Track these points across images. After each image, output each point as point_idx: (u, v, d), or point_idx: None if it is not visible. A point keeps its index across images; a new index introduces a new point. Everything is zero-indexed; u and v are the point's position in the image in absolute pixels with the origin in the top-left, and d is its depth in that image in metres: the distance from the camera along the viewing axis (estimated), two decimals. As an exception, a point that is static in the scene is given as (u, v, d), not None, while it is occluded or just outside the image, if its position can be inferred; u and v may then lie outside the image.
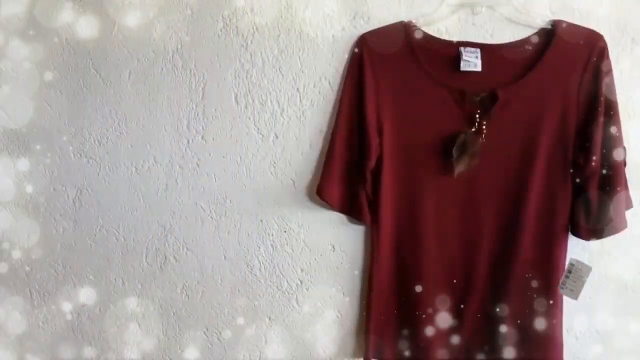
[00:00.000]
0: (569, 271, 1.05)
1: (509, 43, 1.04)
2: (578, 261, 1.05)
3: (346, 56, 1.08)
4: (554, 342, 1.06)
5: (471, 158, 1.01)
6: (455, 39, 1.06)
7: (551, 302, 1.05)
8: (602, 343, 1.13)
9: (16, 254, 1.21)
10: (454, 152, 1.00)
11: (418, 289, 1.07)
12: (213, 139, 1.14)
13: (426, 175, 1.05)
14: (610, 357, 1.14)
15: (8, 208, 1.20)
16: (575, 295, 1.05)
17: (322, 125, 1.11)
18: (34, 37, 1.14)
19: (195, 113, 1.14)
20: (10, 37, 1.14)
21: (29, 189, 1.19)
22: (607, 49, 1.00)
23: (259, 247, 1.17)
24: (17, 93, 1.16)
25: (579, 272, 1.04)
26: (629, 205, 1.02)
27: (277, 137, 1.13)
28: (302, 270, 1.17)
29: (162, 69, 1.13)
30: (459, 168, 1.01)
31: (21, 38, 1.14)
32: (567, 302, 1.10)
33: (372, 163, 1.05)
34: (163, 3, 1.11)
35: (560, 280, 1.05)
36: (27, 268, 1.22)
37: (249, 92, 1.12)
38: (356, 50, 1.06)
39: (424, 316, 1.08)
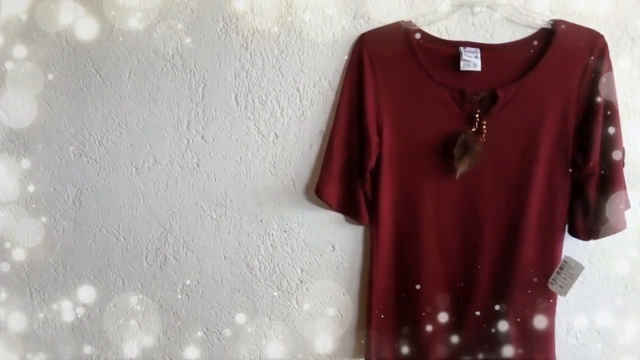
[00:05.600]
0: (561, 268, 1.05)
1: (508, 43, 1.04)
2: (571, 259, 1.05)
3: (346, 56, 1.08)
4: (551, 338, 1.07)
5: (472, 158, 1.01)
6: (455, 38, 1.06)
7: (549, 300, 1.06)
8: (602, 343, 1.14)
9: (16, 254, 1.21)
10: (455, 152, 1.00)
11: (418, 288, 1.08)
12: (213, 139, 1.14)
13: (426, 175, 1.05)
14: (610, 357, 1.14)
15: (8, 208, 1.20)
16: (564, 292, 1.05)
17: (322, 125, 1.11)
18: (34, 38, 1.14)
19: (195, 113, 1.14)
20: (10, 37, 1.14)
21: (29, 188, 1.19)
22: (607, 48, 1.00)
23: (259, 247, 1.17)
24: (17, 93, 1.16)
25: (571, 270, 1.04)
26: (627, 205, 1.02)
27: (277, 137, 1.13)
28: (302, 270, 1.17)
29: (162, 69, 1.13)
30: (461, 169, 1.01)
31: (21, 38, 1.14)
32: (567, 302, 1.11)
33: (371, 163, 1.05)
34: (163, 3, 1.11)
35: (551, 276, 1.05)
36: (27, 268, 1.22)
37: (249, 92, 1.12)
38: (356, 50, 1.06)
39: (423, 315, 1.08)
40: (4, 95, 1.16)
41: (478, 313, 1.07)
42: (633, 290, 1.12)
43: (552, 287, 1.05)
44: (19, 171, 1.19)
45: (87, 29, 1.13)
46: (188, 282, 1.19)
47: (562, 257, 1.06)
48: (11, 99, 1.16)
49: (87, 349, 1.24)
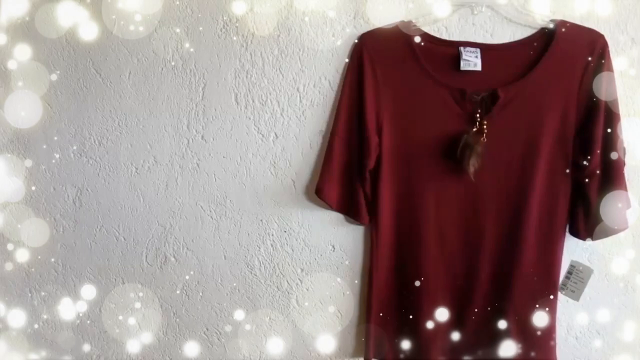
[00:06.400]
0: (570, 272, 1.06)
1: (509, 43, 1.04)
2: (579, 263, 1.05)
3: (346, 56, 1.08)
4: (552, 338, 1.07)
5: (473, 158, 1.00)
6: (455, 38, 1.06)
7: (550, 300, 1.06)
8: (602, 342, 1.14)
9: (16, 254, 1.21)
10: (459, 152, 1.00)
11: (418, 288, 1.08)
12: (213, 138, 1.14)
13: (426, 175, 1.05)
14: (610, 357, 1.14)
15: (8, 208, 1.20)
16: (576, 296, 1.06)
17: (322, 125, 1.11)
18: (34, 38, 1.14)
19: (195, 113, 1.14)
20: (10, 37, 1.14)
21: (29, 189, 1.19)
22: (608, 48, 1.00)
23: (259, 247, 1.17)
24: (17, 93, 1.16)
25: (580, 274, 1.05)
26: (627, 205, 1.02)
27: (277, 137, 1.13)
28: (302, 270, 1.17)
29: (162, 69, 1.13)
30: (471, 170, 1.00)
31: (22, 38, 1.14)
32: (567, 301, 1.11)
33: (371, 163, 1.05)
34: (163, 4, 1.10)
35: (561, 281, 1.06)
36: (27, 268, 1.22)
37: (249, 92, 1.12)
38: (356, 50, 1.06)
39: (423, 315, 1.08)
40: (4, 95, 1.16)
41: (479, 313, 1.07)
42: (633, 290, 1.12)
43: (563, 293, 1.06)
44: (19, 171, 1.19)
45: (87, 29, 1.13)
46: (188, 281, 1.20)
47: (570, 261, 1.07)
48: (11, 99, 1.16)
49: (88, 349, 1.24)
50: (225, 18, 1.10)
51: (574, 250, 1.08)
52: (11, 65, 1.15)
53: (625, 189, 1.01)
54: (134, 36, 1.12)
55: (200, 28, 1.11)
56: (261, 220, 1.16)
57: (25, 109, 1.17)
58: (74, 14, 1.12)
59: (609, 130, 0.99)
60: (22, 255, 1.21)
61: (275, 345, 1.19)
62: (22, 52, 1.14)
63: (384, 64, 1.04)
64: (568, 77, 1.00)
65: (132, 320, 1.21)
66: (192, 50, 1.12)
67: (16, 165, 1.19)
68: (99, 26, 1.12)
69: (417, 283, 1.07)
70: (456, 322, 1.09)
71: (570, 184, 1.03)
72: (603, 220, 1.00)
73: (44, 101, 1.17)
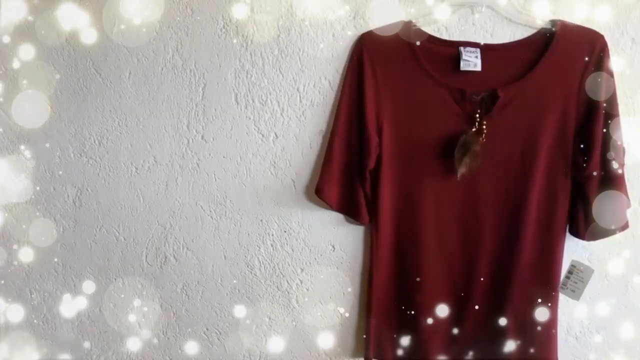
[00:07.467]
0: (570, 272, 1.06)
1: (509, 43, 1.04)
2: (580, 263, 1.05)
3: (346, 56, 1.08)
4: (551, 337, 1.07)
5: (472, 158, 1.01)
6: (455, 38, 1.06)
7: (549, 300, 1.06)
8: (602, 342, 1.14)
9: (16, 254, 1.21)
10: (456, 152, 1.00)
11: (418, 287, 1.08)
12: (213, 138, 1.14)
13: (426, 175, 1.05)
14: (610, 356, 1.14)
15: (8, 208, 1.20)
16: (576, 296, 1.06)
17: (322, 125, 1.11)
18: (34, 38, 1.14)
19: (195, 113, 1.14)
20: (10, 37, 1.14)
21: (35, 189, 1.19)
22: (607, 48, 1.00)
23: (259, 247, 1.17)
24: (16, 93, 1.16)
25: (580, 274, 1.05)
26: (627, 205, 1.02)
27: (277, 137, 1.13)
28: (302, 270, 1.17)
29: (162, 69, 1.13)
30: (461, 170, 1.01)
31: (21, 39, 1.14)
32: (567, 302, 1.11)
33: (371, 163, 1.05)
34: (163, 3, 1.10)
35: (561, 280, 1.06)
36: (28, 267, 1.22)
37: (249, 92, 1.12)
38: (356, 50, 1.06)
39: (423, 316, 1.08)
40: (4, 95, 1.16)
41: (478, 314, 1.08)
42: (632, 290, 1.12)
43: (563, 292, 1.06)
44: (19, 171, 1.19)
45: (87, 29, 1.12)
46: (188, 281, 1.20)
47: (571, 260, 1.07)
48: (11, 99, 1.16)
49: (87, 349, 1.24)
50: (225, 18, 1.10)
51: (574, 250, 1.09)
52: (11, 66, 1.15)
53: (625, 189, 1.01)
54: (133, 36, 1.12)
55: (200, 28, 1.11)
56: (261, 220, 1.16)
57: (25, 109, 1.16)
58: (74, 15, 1.12)
59: (608, 130, 0.99)
60: (25, 255, 1.21)
61: (275, 344, 1.19)
62: (22, 53, 1.14)
63: (384, 64, 1.04)
64: (568, 77, 1.01)
65: (132, 320, 1.21)
66: (192, 50, 1.12)
67: (16, 165, 1.18)
68: (99, 26, 1.12)
69: (418, 281, 1.07)
70: (456, 319, 1.09)
71: (570, 184, 1.03)
72: (602, 221, 1.01)
73: (44, 101, 1.16)
